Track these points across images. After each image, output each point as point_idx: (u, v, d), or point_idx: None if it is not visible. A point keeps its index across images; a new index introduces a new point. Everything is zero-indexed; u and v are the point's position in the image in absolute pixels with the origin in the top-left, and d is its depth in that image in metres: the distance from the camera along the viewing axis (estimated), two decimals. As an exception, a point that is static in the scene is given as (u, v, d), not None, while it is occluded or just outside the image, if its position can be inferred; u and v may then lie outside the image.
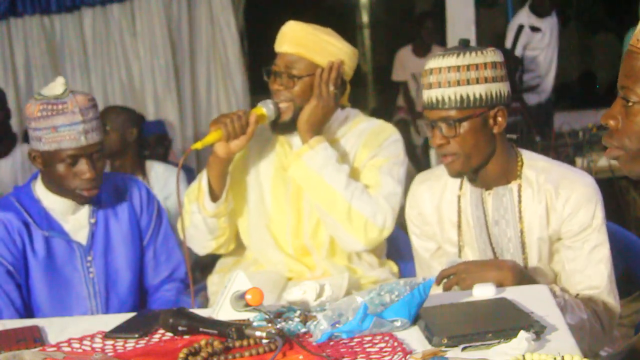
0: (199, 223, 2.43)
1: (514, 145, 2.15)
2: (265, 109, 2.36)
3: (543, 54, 5.97)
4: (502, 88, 2.03)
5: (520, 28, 5.89)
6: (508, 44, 5.94)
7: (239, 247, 2.59)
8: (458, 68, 1.99)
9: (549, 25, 6.01)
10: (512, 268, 1.99)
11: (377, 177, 2.38)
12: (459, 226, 2.18)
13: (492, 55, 2.02)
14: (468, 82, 1.99)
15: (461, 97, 1.99)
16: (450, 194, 2.20)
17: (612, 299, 2.10)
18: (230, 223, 2.49)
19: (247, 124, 2.31)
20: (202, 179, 2.40)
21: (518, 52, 5.92)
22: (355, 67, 2.45)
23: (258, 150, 2.49)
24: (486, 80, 2.00)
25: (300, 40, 2.35)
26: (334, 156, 2.34)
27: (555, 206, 2.07)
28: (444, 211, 2.21)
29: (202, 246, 2.51)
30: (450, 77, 1.99)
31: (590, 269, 2.08)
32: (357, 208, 2.31)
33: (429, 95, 2.03)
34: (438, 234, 2.23)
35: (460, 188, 2.19)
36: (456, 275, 1.98)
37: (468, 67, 1.99)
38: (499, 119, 2.05)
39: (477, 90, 2.00)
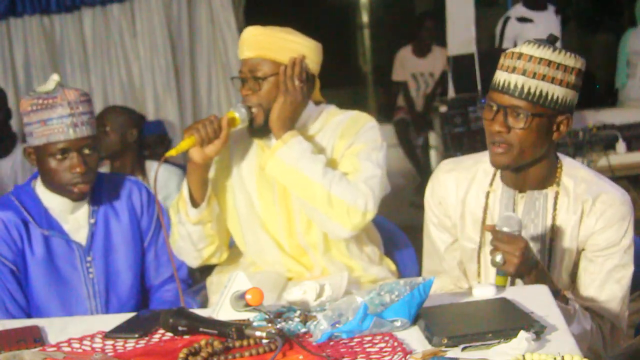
0: (184, 234, 2.43)
1: (555, 151, 2.10)
2: (237, 113, 2.38)
3: None
4: (575, 98, 1.98)
5: (507, 20, 5.75)
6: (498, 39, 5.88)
7: (235, 253, 2.59)
8: (549, 63, 1.92)
9: (545, 19, 5.81)
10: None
11: (356, 163, 2.38)
12: (483, 223, 2.12)
13: (580, 63, 1.96)
14: (553, 81, 1.93)
15: (541, 92, 1.93)
16: (478, 189, 2.14)
17: (620, 322, 2.07)
18: (219, 230, 2.48)
19: (219, 128, 2.32)
20: (183, 188, 2.41)
21: (510, 46, 5.84)
22: (321, 60, 2.46)
23: (239, 155, 2.51)
24: (568, 85, 1.94)
25: (259, 43, 2.38)
26: (308, 148, 2.35)
27: (588, 218, 2.03)
28: (468, 205, 2.15)
29: (192, 257, 2.50)
30: (538, 69, 1.92)
31: (606, 287, 2.05)
32: (337, 194, 2.31)
33: (509, 78, 1.95)
34: (458, 227, 2.18)
35: (491, 184, 2.13)
36: (507, 253, 1.87)
37: (558, 66, 1.93)
38: (562, 127, 2.00)
39: (558, 92, 1.94)
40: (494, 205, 2.12)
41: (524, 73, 1.93)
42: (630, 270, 2.06)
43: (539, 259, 1.95)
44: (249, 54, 2.39)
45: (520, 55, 1.95)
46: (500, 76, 1.97)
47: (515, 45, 5.73)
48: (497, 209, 2.11)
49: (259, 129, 2.41)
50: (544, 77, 1.93)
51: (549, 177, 2.07)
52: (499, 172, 2.12)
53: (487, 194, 2.13)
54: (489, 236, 2.10)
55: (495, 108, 1.98)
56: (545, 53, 1.93)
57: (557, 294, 1.91)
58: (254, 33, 2.40)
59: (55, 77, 2.29)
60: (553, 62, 1.93)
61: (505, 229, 1.90)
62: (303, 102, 2.40)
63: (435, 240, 2.24)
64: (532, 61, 1.93)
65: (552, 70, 1.93)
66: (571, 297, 1.98)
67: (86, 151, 2.29)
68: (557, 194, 2.05)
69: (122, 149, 3.71)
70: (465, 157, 2.25)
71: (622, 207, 2.03)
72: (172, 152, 2.32)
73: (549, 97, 1.93)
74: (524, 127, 1.94)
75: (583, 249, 2.07)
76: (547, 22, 5.80)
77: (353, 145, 2.41)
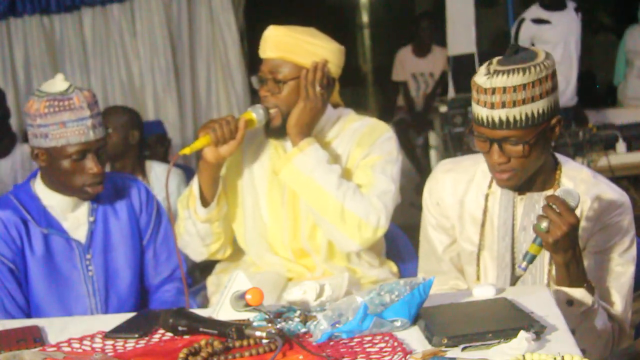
0: (191, 229, 2.43)
1: (552, 151, 2.09)
2: (254, 113, 2.36)
3: (558, 49, 5.57)
4: (557, 96, 1.96)
5: (521, 21, 5.62)
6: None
7: (238, 250, 2.59)
8: (524, 86, 1.88)
9: (564, 19, 5.64)
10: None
11: (370, 175, 2.36)
12: (483, 225, 2.11)
13: (551, 64, 1.93)
14: (533, 100, 1.89)
15: (526, 115, 1.89)
16: (476, 191, 2.12)
17: (624, 319, 2.06)
18: (225, 228, 2.48)
19: (236, 128, 2.31)
20: (194, 185, 2.40)
21: None
22: (343, 64, 2.43)
23: (252, 155, 2.49)
24: (547, 94, 1.91)
25: (282, 44, 2.34)
26: (324, 157, 2.33)
27: (587, 220, 2.02)
28: (467, 207, 2.13)
29: (197, 252, 2.50)
30: (516, 97, 1.88)
31: (610, 285, 2.04)
32: (350, 208, 2.29)
33: (491, 114, 1.90)
34: (457, 228, 2.16)
35: (490, 187, 2.11)
36: (555, 222, 1.82)
37: (533, 84, 1.88)
38: (556, 128, 1.98)
39: (541, 106, 1.90)
40: (493, 208, 2.10)
41: (503, 106, 1.89)
42: (631, 269, 2.05)
43: (579, 245, 1.91)
44: (270, 54, 2.36)
45: (493, 90, 1.89)
46: (481, 112, 1.93)
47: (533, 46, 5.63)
48: (496, 211, 2.09)
49: (275, 130, 2.39)
50: (524, 101, 1.88)
51: (548, 179, 2.07)
52: None
53: (487, 196, 2.11)
54: (488, 239, 2.11)
55: (488, 141, 1.95)
56: (516, 79, 1.87)
57: (584, 283, 1.91)
58: (276, 33, 2.37)
59: (62, 77, 2.28)
60: (527, 84, 1.88)
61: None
62: (323, 108, 2.38)
63: (433, 241, 2.22)
64: (507, 92, 1.88)
65: (528, 92, 1.88)
66: (594, 289, 1.95)
67: (100, 151, 2.30)
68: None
69: (124, 150, 3.69)
70: (464, 158, 2.23)
71: (619, 207, 2.03)
72: (186, 151, 2.30)
73: (536, 115, 1.90)
74: (523, 153, 1.93)
75: (584, 249, 2.05)
76: (567, 22, 5.64)
77: (369, 156, 2.39)
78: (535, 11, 5.66)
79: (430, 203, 2.20)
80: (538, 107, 1.90)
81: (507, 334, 1.51)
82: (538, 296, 1.80)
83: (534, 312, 1.66)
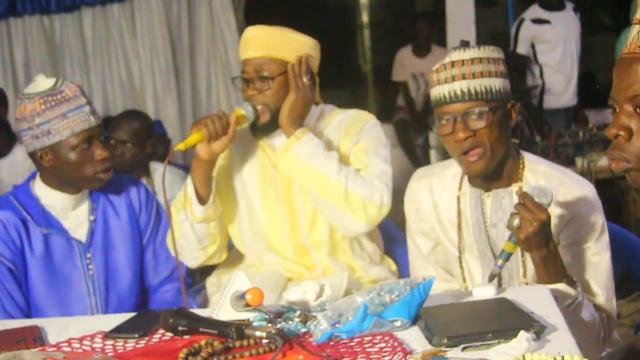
0: (187, 232, 2.42)
1: (517, 147, 2.14)
2: (244, 110, 2.38)
3: (558, 49, 5.64)
4: (509, 85, 2.06)
5: (521, 21, 5.63)
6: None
7: (238, 255, 2.59)
8: (480, 60, 2.01)
9: (563, 19, 5.66)
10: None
11: (365, 159, 2.40)
12: (459, 227, 2.16)
13: (500, 52, 2.05)
14: (490, 75, 2.01)
15: (485, 88, 2.00)
16: (449, 194, 2.19)
17: (609, 307, 2.08)
18: (221, 230, 2.47)
19: (227, 124, 2.32)
20: (188, 185, 2.40)
21: (524, 49, 5.72)
22: (319, 58, 2.48)
23: (240, 158, 2.50)
24: (502, 75, 2.03)
25: (265, 42, 2.37)
26: (320, 145, 2.36)
27: (554, 213, 2.04)
28: (442, 210, 2.19)
29: (193, 257, 2.49)
30: (474, 69, 2.00)
31: (589, 276, 2.07)
32: (353, 189, 2.32)
33: (453, 87, 2.01)
34: (438, 231, 2.21)
35: (460, 188, 2.17)
36: (526, 219, 1.85)
37: (488, 60, 2.01)
38: (513, 113, 2.07)
39: (497, 83, 2.02)
40: (465, 208, 2.16)
41: (464, 77, 2.00)
42: (606, 256, 2.08)
43: (554, 240, 1.93)
44: (254, 53, 2.38)
45: (452, 64, 2.02)
46: (442, 89, 2.02)
47: (532, 47, 5.65)
48: (468, 212, 2.15)
49: (262, 128, 2.41)
50: (482, 74, 2.00)
51: (513, 175, 2.11)
52: (466, 175, 2.15)
53: (458, 198, 2.17)
54: (467, 240, 2.17)
55: (451, 119, 2.02)
56: (473, 53, 2.01)
57: (564, 277, 1.93)
58: (259, 32, 2.39)
59: (42, 77, 2.31)
60: (483, 59, 2.01)
61: (535, 199, 1.89)
62: (311, 99, 2.41)
63: (419, 246, 2.28)
64: (466, 64, 2.00)
65: (485, 66, 2.01)
66: (577, 283, 1.96)
67: (102, 138, 2.31)
68: (520, 190, 2.05)
69: (140, 160, 3.63)
70: (435, 165, 2.31)
71: (584, 197, 2.05)
72: (180, 146, 2.31)
73: (494, 90, 2.01)
74: (487, 124, 2.00)
75: (558, 243, 2.07)
76: (567, 22, 5.66)
77: (359, 143, 2.42)
78: (535, 11, 5.67)
79: (410, 211, 2.28)
80: (495, 83, 2.01)
81: (507, 334, 1.51)
82: (538, 296, 1.81)
83: (534, 312, 1.66)
